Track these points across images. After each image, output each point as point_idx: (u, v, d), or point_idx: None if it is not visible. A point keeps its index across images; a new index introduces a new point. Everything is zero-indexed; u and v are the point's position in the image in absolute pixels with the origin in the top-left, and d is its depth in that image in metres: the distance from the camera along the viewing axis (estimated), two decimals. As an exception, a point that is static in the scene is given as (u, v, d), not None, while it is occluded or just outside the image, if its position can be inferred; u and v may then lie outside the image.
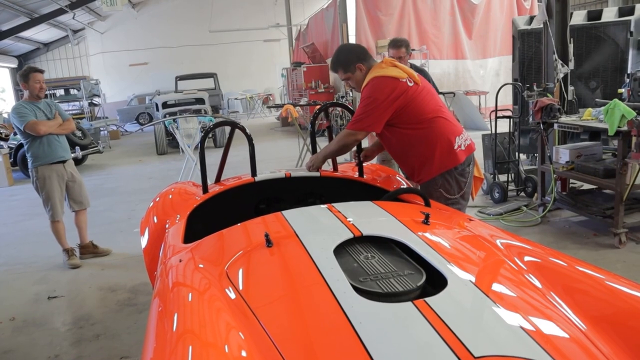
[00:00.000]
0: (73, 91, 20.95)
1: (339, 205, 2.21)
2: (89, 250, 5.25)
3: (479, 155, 3.27)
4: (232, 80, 24.96)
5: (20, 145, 9.75)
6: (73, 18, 20.99)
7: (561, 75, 5.26)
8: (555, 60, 5.27)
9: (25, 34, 21.52)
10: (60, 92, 21.10)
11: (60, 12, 19.67)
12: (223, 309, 1.53)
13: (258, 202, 3.16)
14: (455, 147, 3.01)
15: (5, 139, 11.32)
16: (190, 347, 1.33)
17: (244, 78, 26.07)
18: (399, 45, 5.00)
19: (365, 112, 2.97)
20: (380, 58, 7.59)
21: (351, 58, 3.10)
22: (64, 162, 5.02)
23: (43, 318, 3.94)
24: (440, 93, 4.92)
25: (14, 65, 24.16)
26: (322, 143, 3.57)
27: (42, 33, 23.22)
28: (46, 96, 5.18)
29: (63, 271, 4.91)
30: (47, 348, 3.45)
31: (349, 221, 1.99)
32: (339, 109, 11.32)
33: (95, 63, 26.11)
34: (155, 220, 3.03)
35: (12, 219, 7.31)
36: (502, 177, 6.30)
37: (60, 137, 5.00)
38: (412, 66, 4.95)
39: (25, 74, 4.86)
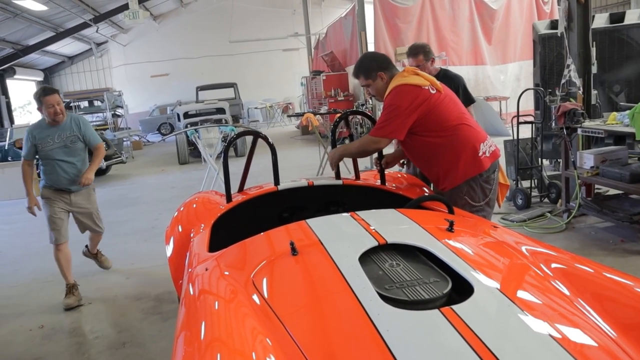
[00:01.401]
0: (97, 103, 21.44)
1: (362, 213, 2.22)
2: (93, 256, 5.20)
3: (501, 161, 3.24)
4: (251, 90, 25.14)
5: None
6: (97, 31, 21.40)
7: (578, 83, 5.21)
8: (570, 70, 5.21)
9: (51, 47, 21.98)
10: (84, 103, 21.58)
11: (84, 26, 20.08)
12: (250, 316, 1.55)
13: (281, 211, 3.18)
14: (480, 154, 2.99)
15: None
16: (219, 355, 1.35)
17: (263, 87, 26.26)
18: (415, 52, 4.48)
19: (388, 120, 2.98)
20: (399, 65, 7.54)
21: (373, 65, 3.12)
22: (69, 192, 4.62)
23: (70, 326, 4.02)
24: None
25: (40, 78, 24.71)
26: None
27: (67, 47, 23.70)
28: (72, 108, 4.91)
29: (89, 280, 4.99)
30: (75, 355, 3.52)
31: (373, 229, 1.99)
32: (359, 116, 11.33)
33: (118, 75, 26.58)
34: (180, 230, 3.07)
35: (38, 229, 7.40)
36: (525, 183, 6.22)
37: (69, 168, 4.51)
38: (444, 71, 4.63)
39: (37, 98, 4.32)
